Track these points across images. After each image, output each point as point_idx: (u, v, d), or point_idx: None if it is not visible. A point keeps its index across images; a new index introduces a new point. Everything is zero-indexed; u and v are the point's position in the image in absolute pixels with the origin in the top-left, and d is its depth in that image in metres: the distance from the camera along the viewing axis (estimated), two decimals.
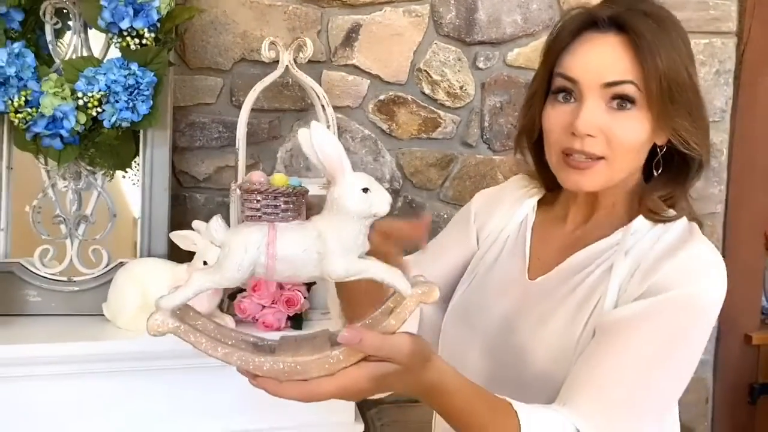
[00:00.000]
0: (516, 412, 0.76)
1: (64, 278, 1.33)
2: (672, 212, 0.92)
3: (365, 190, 0.66)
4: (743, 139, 1.81)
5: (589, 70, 0.86)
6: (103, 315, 1.29)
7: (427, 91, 1.65)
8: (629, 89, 0.85)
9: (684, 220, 0.91)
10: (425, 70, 1.64)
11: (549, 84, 0.91)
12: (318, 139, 0.65)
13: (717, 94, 1.79)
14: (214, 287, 0.68)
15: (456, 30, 1.64)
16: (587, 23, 0.89)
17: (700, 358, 0.87)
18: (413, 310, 0.68)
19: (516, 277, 0.97)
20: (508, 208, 1.03)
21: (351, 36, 1.59)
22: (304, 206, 0.68)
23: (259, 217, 0.66)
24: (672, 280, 0.83)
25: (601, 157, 0.86)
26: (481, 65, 1.66)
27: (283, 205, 0.66)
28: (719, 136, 1.81)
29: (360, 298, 0.81)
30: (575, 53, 0.88)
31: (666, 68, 0.84)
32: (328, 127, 1.36)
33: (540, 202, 1.03)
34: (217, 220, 0.68)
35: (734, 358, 1.89)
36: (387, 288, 0.69)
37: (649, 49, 0.84)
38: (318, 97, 1.39)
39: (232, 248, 0.65)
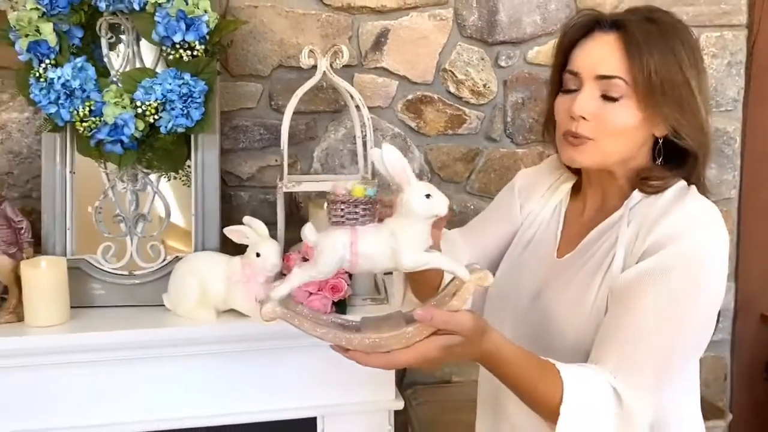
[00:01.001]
0: (559, 370, 0.87)
1: (126, 272, 1.44)
2: (659, 182, 1.00)
3: (427, 195, 0.80)
4: (755, 126, 1.89)
5: (587, 63, 0.98)
6: (162, 305, 1.40)
7: (452, 89, 1.75)
8: (616, 83, 0.96)
9: (679, 183, 1.00)
10: (450, 70, 1.74)
11: (560, 79, 1.03)
12: (387, 156, 0.81)
13: (729, 84, 1.88)
14: (311, 280, 0.83)
15: (478, 31, 1.73)
16: (593, 24, 1.01)
17: (717, 306, 0.95)
18: (472, 292, 0.81)
19: (545, 257, 1.08)
20: (544, 192, 1.14)
21: (380, 40, 1.70)
22: (378, 211, 0.83)
23: (343, 222, 0.81)
24: (668, 236, 0.92)
25: (591, 139, 0.97)
26: (502, 64, 1.76)
27: (361, 212, 0.81)
28: (732, 125, 1.89)
29: (425, 283, 0.99)
30: (580, 49, 1.00)
31: (656, 66, 0.94)
32: (364, 126, 1.47)
33: (572, 188, 1.13)
34: (309, 226, 0.82)
35: (751, 336, 1.97)
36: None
37: (639, 47, 0.95)
38: (353, 98, 1.50)
39: (323, 248, 0.80)
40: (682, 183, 1.00)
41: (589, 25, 1.01)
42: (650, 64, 0.94)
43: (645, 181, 1.00)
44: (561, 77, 1.03)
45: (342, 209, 0.81)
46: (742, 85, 1.88)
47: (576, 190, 1.13)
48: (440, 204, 0.81)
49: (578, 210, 1.10)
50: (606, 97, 0.97)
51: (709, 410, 1.72)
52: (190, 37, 1.34)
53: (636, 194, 1.00)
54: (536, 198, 1.15)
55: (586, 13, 1.03)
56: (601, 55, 0.98)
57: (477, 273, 0.83)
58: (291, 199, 1.67)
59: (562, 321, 1.00)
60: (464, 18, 1.73)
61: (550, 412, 0.88)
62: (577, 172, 1.12)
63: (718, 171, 1.90)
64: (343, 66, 1.51)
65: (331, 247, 0.80)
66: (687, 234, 0.92)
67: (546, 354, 0.92)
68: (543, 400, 0.88)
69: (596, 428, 0.88)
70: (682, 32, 0.98)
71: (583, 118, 0.97)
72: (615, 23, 0.99)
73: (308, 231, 0.82)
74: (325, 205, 0.84)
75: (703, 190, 1.02)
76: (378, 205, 0.83)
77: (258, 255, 1.31)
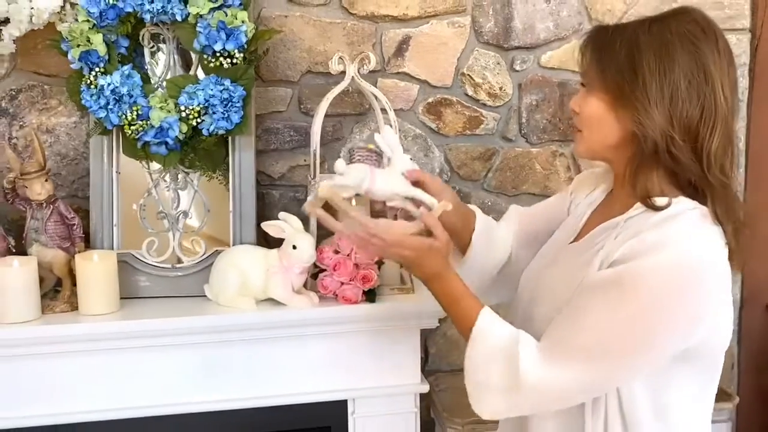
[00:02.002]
0: (483, 306, 1.08)
1: (169, 265, 1.55)
2: (664, 200, 1.00)
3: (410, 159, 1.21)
4: (759, 126, 1.98)
5: (581, 65, 1.09)
6: (203, 296, 1.51)
7: (470, 92, 1.85)
8: (587, 74, 1.06)
9: (685, 204, 0.99)
10: (468, 74, 1.84)
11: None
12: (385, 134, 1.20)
13: None
14: (340, 187, 1.12)
15: (495, 37, 1.83)
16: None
17: (670, 330, 0.96)
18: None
19: (560, 242, 1.17)
20: (590, 191, 1.20)
21: (402, 47, 1.80)
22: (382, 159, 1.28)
23: (362, 161, 1.32)
24: (623, 255, 0.97)
25: (580, 130, 1.08)
26: (517, 68, 1.86)
27: (374, 157, 1.43)
28: (736, 124, 1.97)
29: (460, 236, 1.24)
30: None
31: (618, 66, 1.00)
32: (391, 126, 1.57)
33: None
34: (340, 160, 1.14)
35: (757, 326, 2.05)
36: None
37: (600, 51, 1.03)
38: (378, 100, 1.60)
39: (352, 169, 1.14)
40: (690, 205, 0.99)
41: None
42: (610, 64, 1.01)
43: (648, 196, 1.01)
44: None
45: (362, 154, 1.39)
46: (746, 86, 1.97)
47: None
48: (408, 164, 1.18)
49: (605, 207, 1.15)
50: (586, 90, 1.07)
51: (717, 394, 1.82)
52: (229, 46, 1.44)
53: (638, 206, 1.02)
54: (582, 195, 1.22)
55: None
56: (582, 57, 1.08)
57: (442, 203, 1.14)
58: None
59: (543, 296, 1.11)
60: (481, 25, 1.83)
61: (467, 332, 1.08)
62: None
63: None
64: (369, 71, 1.62)
65: (357, 169, 1.14)
66: (639, 258, 0.96)
67: (525, 324, 1.07)
68: (465, 323, 1.07)
69: (494, 360, 1.03)
70: (654, 41, 0.99)
71: (575, 111, 1.08)
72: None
73: (338, 162, 1.12)
74: (348, 154, 1.18)
75: (721, 213, 0.99)
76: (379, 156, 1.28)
77: (294, 247, 1.41)
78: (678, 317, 0.96)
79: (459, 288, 1.11)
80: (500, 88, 1.85)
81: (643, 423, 1.03)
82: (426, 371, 1.85)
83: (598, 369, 0.99)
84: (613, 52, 1.01)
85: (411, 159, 1.20)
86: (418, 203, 1.16)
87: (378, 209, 1.25)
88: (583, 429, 1.05)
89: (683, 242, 0.96)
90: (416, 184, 1.17)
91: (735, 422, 1.88)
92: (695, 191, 1.01)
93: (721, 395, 1.79)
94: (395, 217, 1.20)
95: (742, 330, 2.06)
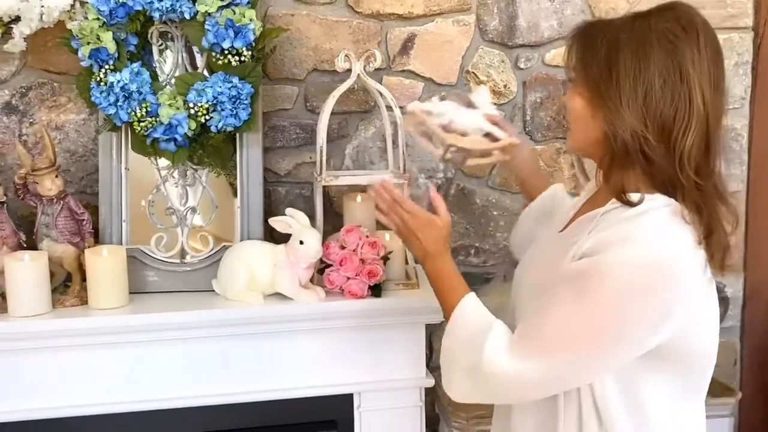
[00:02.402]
0: (469, 293, 1.13)
1: (177, 260, 1.57)
2: (637, 196, 1.00)
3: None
4: (761, 123, 1.99)
5: (567, 61, 1.10)
6: (212, 290, 1.52)
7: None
8: (570, 74, 1.08)
9: (659, 201, 0.99)
10: (473, 72, 1.85)
11: None
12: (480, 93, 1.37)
13: (737, 83, 1.98)
14: (427, 112, 1.29)
15: (499, 35, 1.85)
16: None
17: (632, 328, 0.96)
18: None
19: (552, 230, 1.20)
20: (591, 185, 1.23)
21: (407, 45, 1.82)
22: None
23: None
24: (591, 248, 0.99)
25: (569, 127, 1.12)
26: (522, 65, 1.87)
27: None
28: (740, 122, 2.00)
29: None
30: None
31: (598, 64, 1.01)
32: (394, 124, 1.59)
33: None
34: (436, 97, 1.34)
35: (759, 322, 2.07)
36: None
37: (584, 48, 1.04)
38: (383, 97, 1.61)
39: (441, 104, 1.31)
40: (663, 202, 1.00)
41: None
42: (587, 62, 1.03)
43: (623, 191, 1.02)
44: None
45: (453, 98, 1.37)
46: (749, 84, 1.98)
47: None
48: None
49: (592, 200, 1.16)
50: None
51: (719, 389, 1.83)
52: (238, 44, 1.46)
53: (614, 201, 1.02)
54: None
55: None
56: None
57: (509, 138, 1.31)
58: (325, 193, 1.79)
59: (524, 285, 1.15)
60: (486, 23, 1.84)
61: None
62: None
63: (726, 166, 1.98)
64: (374, 69, 1.63)
65: (446, 104, 1.31)
66: (602, 252, 0.97)
67: (514, 313, 1.13)
68: (448, 305, 1.13)
69: (464, 344, 1.07)
70: (633, 42, 0.99)
71: (565, 107, 1.13)
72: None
73: (434, 98, 1.33)
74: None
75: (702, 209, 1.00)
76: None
77: (301, 243, 1.43)
78: (641, 312, 0.96)
79: (448, 271, 1.16)
80: (505, 86, 1.87)
81: (618, 419, 1.03)
82: (430, 367, 1.85)
83: (560, 361, 0.99)
84: (595, 49, 1.02)
85: (496, 109, 1.35)
86: (492, 138, 1.29)
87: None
88: (556, 424, 1.06)
89: (650, 238, 0.97)
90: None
91: (738, 418, 1.90)
92: (674, 189, 1.01)
93: (724, 391, 1.82)
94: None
95: (744, 326, 2.08)
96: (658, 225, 0.98)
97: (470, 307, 1.11)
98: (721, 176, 1.03)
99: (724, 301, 2.05)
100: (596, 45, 1.02)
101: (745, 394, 1.97)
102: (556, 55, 1.88)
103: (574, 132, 1.10)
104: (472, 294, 1.13)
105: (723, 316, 2.06)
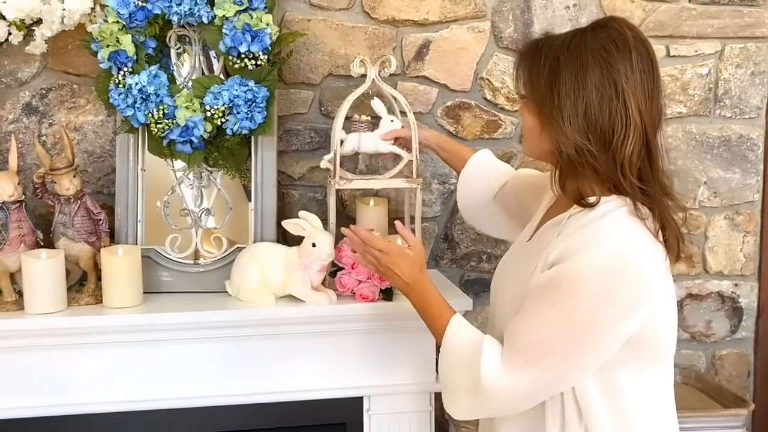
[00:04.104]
0: (454, 314, 1.18)
1: (191, 261, 1.58)
2: (593, 198, 1.08)
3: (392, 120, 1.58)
4: None
5: (515, 81, 1.18)
6: (224, 291, 1.54)
7: (488, 96, 1.87)
8: (518, 91, 1.17)
9: (613, 203, 1.07)
10: (487, 79, 1.86)
11: None
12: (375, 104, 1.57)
13: (753, 93, 1.97)
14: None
15: (514, 42, 1.86)
16: None
17: (611, 322, 1.03)
18: None
19: (521, 242, 1.24)
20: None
21: (422, 51, 1.83)
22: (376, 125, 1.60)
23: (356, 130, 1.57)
24: (558, 257, 1.06)
25: (523, 135, 1.20)
26: None
27: (366, 125, 1.59)
28: (755, 131, 1.99)
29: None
30: None
31: (540, 87, 1.09)
32: (410, 127, 1.60)
33: None
34: (342, 131, 1.55)
35: None
36: None
37: (529, 69, 1.12)
38: (398, 103, 1.62)
39: (347, 139, 1.57)
40: (618, 203, 1.08)
41: None
42: (533, 77, 1.10)
43: (581, 197, 1.09)
44: None
45: (357, 124, 1.58)
46: (765, 94, 1.97)
47: None
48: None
49: (554, 206, 1.20)
50: None
51: (732, 400, 1.82)
52: (254, 48, 1.48)
53: (574, 208, 1.10)
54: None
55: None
56: None
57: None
58: (337, 197, 1.80)
59: (499, 293, 1.21)
60: (501, 30, 1.85)
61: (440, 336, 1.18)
62: None
63: (742, 175, 1.99)
64: (389, 75, 1.64)
65: (349, 138, 1.57)
66: (570, 258, 1.04)
67: (492, 320, 1.21)
68: (437, 331, 1.18)
69: (460, 365, 1.12)
70: (577, 58, 1.06)
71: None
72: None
73: (341, 132, 1.56)
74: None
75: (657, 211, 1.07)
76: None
77: (314, 245, 1.44)
78: (616, 303, 1.03)
79: (431, 299, 1.22)
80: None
81: (595, 408, 1.08)
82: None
83: (551, 367, 1.06)
84: (538, 70, 1.10)
85: (392, 121, 1.57)
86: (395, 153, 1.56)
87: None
88: (543, 416, 1.11)
89: (610, 239, 1.05)
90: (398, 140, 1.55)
91: (751, 429, 1.88)
92: (624, 192, 1.08)
93: (737, 402, 1.81)
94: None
95: (758, 338, 2.06)
96: (616, 226, 1.06)
97: (458, 329, 1.16)
98: (666, 174, 1.11)
99: (737, 311, 2.04)
100: (539, 66, 1.10)
101: (758, 405, 1.95)
102: None
103: (528, 141, 1.18)
104: (457, 315, 1.18)
105: (737, 327, 2.05)
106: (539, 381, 1.07)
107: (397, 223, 1.32)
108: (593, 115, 1.06)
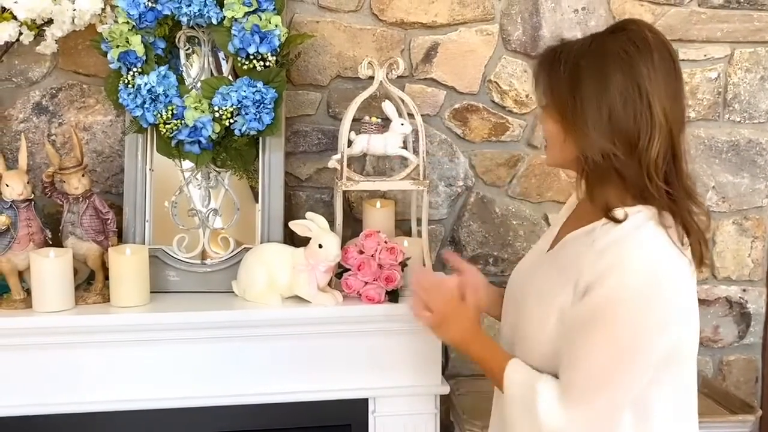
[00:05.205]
0: (511, 361, 1.14)
1: (198, 261, 1.59)
2: (621, 212, 1.06)
3: (401, 124, 1.60)
4: None
5: (535, 89, 1.16)
6: (231, 292, 1.54)
7: (496, 99, 1.87)
8: (540, 101, 1.15)
9: (641, 214, 1.06)
10: (495, 81, 1.86)
11: None
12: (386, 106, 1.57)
13: (762, 97, 1.96)
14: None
15: (522, 45, 1.86)
16: None
17: (648, 343, 1.03)
18: None
19: (540, 250, 1.22)
20: (572, 199, 1.26)
21: (430, 53, 1.83)
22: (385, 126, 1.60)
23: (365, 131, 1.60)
24: (594, 279, 1.04)
25: (546, 144, 1.19)
26: None
27: (375, 126, 1.60)
28: (764, 136, 1.98)
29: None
30: None
31: (561, 94, 1.08)
32: (416, 132, 1.60)
33: None
34: (352, 132, 1.55)
35: None
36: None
37: (549, 77, 1.10)
38: (405, 105, 1.62)
39: (355, 141, 1.59)
40: (647, 215, 1.06)
41: None
42: (553, 85, 1.10)
43: (608, 208, 1.08)
44: None
45: (366, 126, 1.60)
46: None
47: None
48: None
49: (576, 215, 1.20)
50: None
51: (739, 406, 1.81)
52: (263, 49, 1.48)
53: (603, 221, 1.08)
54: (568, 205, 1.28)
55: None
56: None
57: None
58: (344, 199, 1.80)
59: (521, 307, 1.17)
60: (509, 33, 1.85)
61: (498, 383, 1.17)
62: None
63: (751, 180, 1.98)
64: (397, 77, 1.65)
65: (359, 139, 1.58)
66: (606, 280, 1.03)
67: (513, 334, 1.17)
68: (498, 383, 1.16)
69: (519, 413, 1.11)
70: (596, 67, 1.05)
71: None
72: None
73: (351, 134, 1.58)
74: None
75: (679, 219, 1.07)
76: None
77: (320, 246, 1.44)
78: (657, 319, 1.03)
79: (486, 351, 1.20)
80: (527, 96, 1.87)
81: (625, 427, 1.08)
82: (446, 375, 1.86)
83: (610, 392, 1.05)
84: (558, 77, 1.09)
85: (402, 124, 1.58)
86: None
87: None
88: None
89: (642, 259, 1.04)
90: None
91: None
92: (650, 198, 1.07)
93: (744, 407, 1.80)
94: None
95: (766, 343, 2.04)
96: (646, 243, 1.05)
97: (515, 374, 1.14)
98: (690, 177, 1.10)
99: (745, 317, 2.03)
100: (559, 72, 1.09)
101: (766, 411, 1.94)
102: None
103: (551, 150, 1.16)
104: (514, 360, 1.16)
105: (744, 333, 2.04)
106: (600, 411, 1.06)
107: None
108: (618, 118, 1.04)
